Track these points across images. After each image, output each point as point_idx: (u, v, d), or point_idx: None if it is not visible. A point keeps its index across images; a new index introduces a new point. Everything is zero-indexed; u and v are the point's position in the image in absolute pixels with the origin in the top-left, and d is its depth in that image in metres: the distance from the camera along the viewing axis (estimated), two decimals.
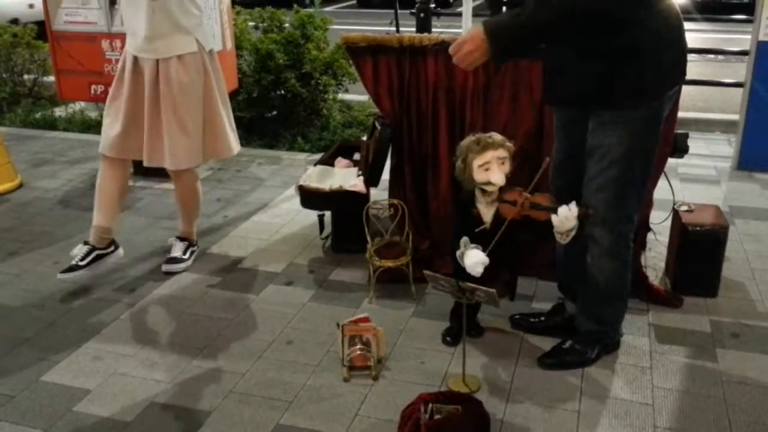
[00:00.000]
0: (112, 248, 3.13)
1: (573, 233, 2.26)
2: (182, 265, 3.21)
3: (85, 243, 3.07)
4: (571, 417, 2.23)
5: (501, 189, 2.36)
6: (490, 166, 2.32)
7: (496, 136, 2.37)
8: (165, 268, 3.19)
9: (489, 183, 2.33)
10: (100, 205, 3.07)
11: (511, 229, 2.31)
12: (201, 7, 3.01)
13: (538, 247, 3.00)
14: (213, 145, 3.13)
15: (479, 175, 2.33)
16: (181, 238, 3.29)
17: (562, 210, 2.23)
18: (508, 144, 2.37)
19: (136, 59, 2.93)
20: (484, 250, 2.31)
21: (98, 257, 3.06)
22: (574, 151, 2.39)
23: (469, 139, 2.38)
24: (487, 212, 2.41)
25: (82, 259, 3.02)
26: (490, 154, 2.32)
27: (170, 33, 2.88)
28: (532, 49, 2.29)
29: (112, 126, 2.99)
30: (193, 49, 2.94)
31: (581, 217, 2.25)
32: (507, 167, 2.36)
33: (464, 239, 2.35)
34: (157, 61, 2.90)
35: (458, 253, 2.36)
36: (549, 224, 2.28)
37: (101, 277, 3.11)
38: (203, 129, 3.05)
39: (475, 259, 2.28)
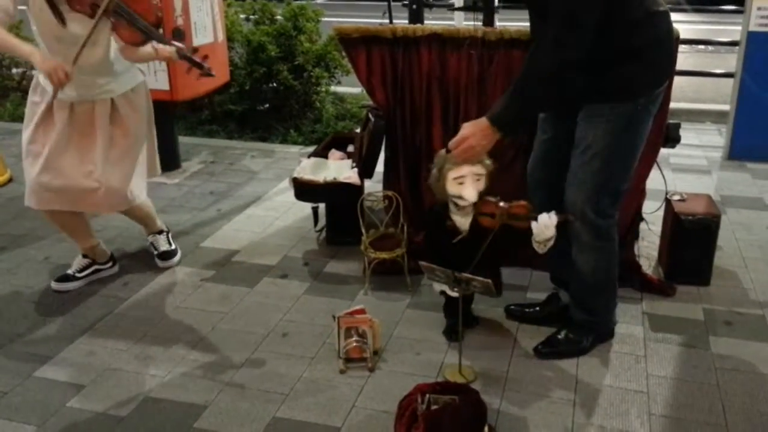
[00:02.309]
0: (110, 264, 3.12)
1: (551, 243, 2.23)
2: (177, 258, 3.21)
3: (85, 256, 3.05)
4: (566, 406, 2.24)
5: (477, 201, 2.34)
6: (465, 181, 2.31)
7: None
8: (163, 264, 3.17)
9: (461, 197, 2.33)
10: (71, 236, 3.02)
11: (491, 240, 2.29)
12: None
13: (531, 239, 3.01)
14: (152, 167, 3.07)
15: (452, 188, 2.33)
16: (157, 232, 3.26)
17: (542, 218, 2.19)
18: (487, 162, 2.35)
19: (72, 104, 2.70)
20: (466, 262, 2.29)
21: (96, 271, 3.06)
22: (557, 144, 2.39)
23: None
24: (463, 221, 2.40)
25: (79, 271, 3.01)
26: (466, 169, 2.30)
27: (127, 67, 2.79)
28: (541, 111, 2.35)
29: (36, 179, 2.71)
30: (141, 77, 2.89)
31: (561, 224, 2.20)
32: (482, 185, 2.34)
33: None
34: (112, 99, 2.75)
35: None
36: (528, 232, 2.24)
37: None
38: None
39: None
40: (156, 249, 3.21)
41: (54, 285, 2.98)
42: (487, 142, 2.19)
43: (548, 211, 2.20)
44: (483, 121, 2.18)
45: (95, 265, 3.06)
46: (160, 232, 3.25)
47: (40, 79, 2.72)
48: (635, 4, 2.12)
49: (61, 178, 2.72)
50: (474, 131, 2.19)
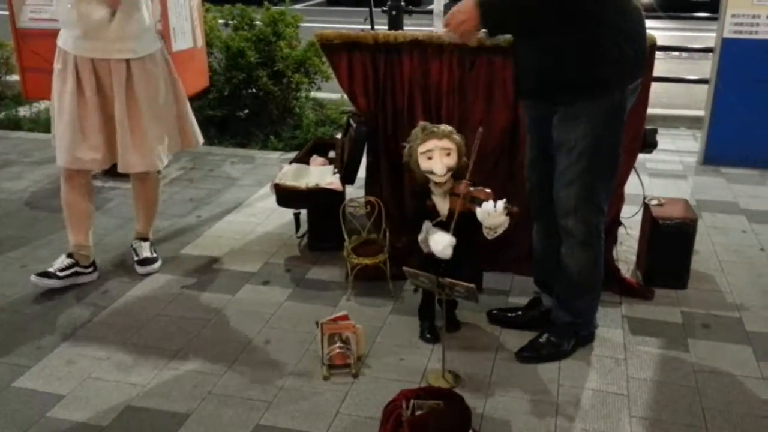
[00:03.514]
0: (91, 269, 3.09)
1: (501, 230, 2.28)
2: (157, 265, 3.18)
3: (69, 256, 3.02)
4: (549, 408, 2.26)
5: (455, 181, 2.39)
6: (433, 155, 2.37)
7: (444, 127, 2.43)
8: (142, 270, 3.14)
9: (431, 172, 2.38)
10: (73, 224, 3.02)
11: (465, 224, 2.33)
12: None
13: (513, 242, 3.03)
14: (186, 137, 3.16)
15: (422, 163, 2.40)
16: (144, 239, 3.24)
17: (486, 205, 2.25)
18: (455, 136, 2.41)
19: (93, 63, 2.80)
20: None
21: (76, 273, 3.03)
22: (545, 147, 2.43)
23: (418, 127, 2.45)
24: (443, 204, 2.44)
25: (61, 270, 2.98)
26: (432, 143, 2.37)
27: (142, 31, 2.86)
28: (519, 26, 2.33)
29: (74, 139, 2.83)
30: (159, 44, 2.97)
31: (507, 214, 2.25)
32: (452, 159, 2.39)
33: (427, 224, 2.38)
34: (128, 61, 2.84)
35: (421, 238, 2.39)
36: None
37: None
38: (176, 122, 3.10)
39: (443, 243, 2.32)
40: (137, 255, 3.18)
41: (33, 278, 2.93)
42: (467, 17, 2.20)
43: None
44: (470, 1, 2.20)
45: (77, 267, 3.02)
46: (146, 239, 3.24)
47: (59, 42, 2.81)
48: None
49: (98, 133, 2.85)
50: (461, 8, 2.22)
